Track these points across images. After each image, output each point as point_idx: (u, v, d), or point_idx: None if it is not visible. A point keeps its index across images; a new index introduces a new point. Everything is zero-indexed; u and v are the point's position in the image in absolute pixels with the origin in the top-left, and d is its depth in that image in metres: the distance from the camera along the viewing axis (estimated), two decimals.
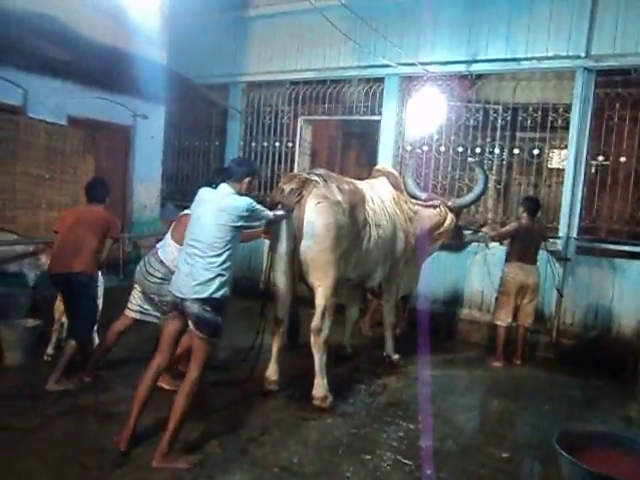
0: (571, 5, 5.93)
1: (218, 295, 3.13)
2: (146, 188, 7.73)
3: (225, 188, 3.28)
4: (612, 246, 5.86)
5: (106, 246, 4.23)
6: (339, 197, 4.12)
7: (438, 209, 5.29)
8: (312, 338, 4.13)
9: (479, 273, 6.42)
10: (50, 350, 4.63)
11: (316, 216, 3.99)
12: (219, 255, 3.13)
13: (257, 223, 3.47)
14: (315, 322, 4.10)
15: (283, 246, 4.06)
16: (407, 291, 5.66)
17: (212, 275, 3.11)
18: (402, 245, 4.94)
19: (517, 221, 5.71)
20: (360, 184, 4.71)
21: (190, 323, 3.13)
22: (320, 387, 4.10)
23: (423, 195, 5.46)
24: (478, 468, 3.40)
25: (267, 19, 7.89)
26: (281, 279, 4.16)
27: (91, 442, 3.33)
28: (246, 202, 3.24)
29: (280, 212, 3.85)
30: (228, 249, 3.15)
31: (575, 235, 5.98)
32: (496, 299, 5.70)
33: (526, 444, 3.81)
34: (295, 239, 4.02)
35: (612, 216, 5.99)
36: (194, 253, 3.14)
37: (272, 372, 4.30)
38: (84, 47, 6.22)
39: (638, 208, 5.82)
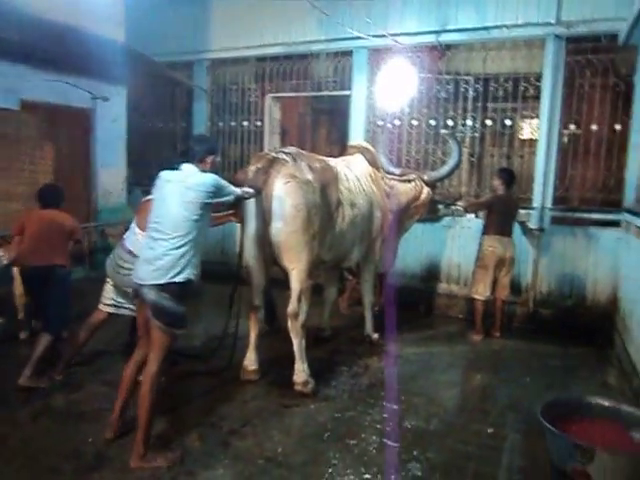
0: None
1: (180, 279, 2.96)
2: (111, 174, 7.41)
3: (190, 168, 3.17)
4: (586, 215, 5.86)
5: (68, 248, 4.31)
6: (309, 176, 3.97)
7: (414, 183, 5.20)
8: (289, 323, 4.02)
9: (455, 247, 6.40)
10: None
11: (284, 196, 3.84)
12: (185, 235, 2.97)
13: (224, 199, 3.32)
14: (291, 306, 3.99)
15: (252, 228, 3.93)
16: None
17: (175, 258, 2.94)
18: (379, 224, 4.83)
19: (492, 193, 5.66)
20: (334, 162, 4.57)
21: (148, 311, 2.97)
22: (301, 372, 4.01)
23: (397, 170, 5.36)
24: (464, 446, 3.37)
25: None
26: (253, 263, 4.03)
27: (65, 445, 3.19)
28: (212, 178, 3.16)
29: (249, 189, 3.70)
30: (194, 229, 3.01)
31: (550, 205, 5.97)
32: (474, 273, 5.68)
33: (510, 418, 3.80)
34: (265, 221, 3.88)
35: (585, 184, 6.00)
36: (158, 237, 2.98)
37: (251, 361, 4.19)
38: (34, 26, 5.81)
39: (610, 175, 5.83)
